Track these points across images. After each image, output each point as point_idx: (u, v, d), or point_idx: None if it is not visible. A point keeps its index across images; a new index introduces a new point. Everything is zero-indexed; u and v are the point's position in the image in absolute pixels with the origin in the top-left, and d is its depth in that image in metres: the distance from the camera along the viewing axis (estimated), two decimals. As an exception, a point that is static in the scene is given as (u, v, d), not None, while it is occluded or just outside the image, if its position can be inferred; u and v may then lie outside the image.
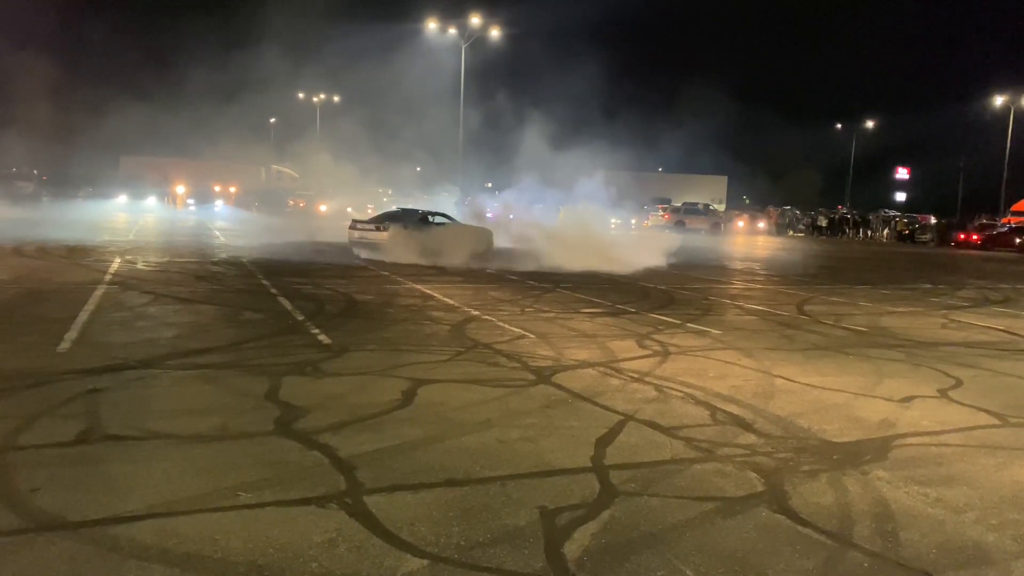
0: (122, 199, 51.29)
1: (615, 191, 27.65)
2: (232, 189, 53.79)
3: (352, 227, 20.48)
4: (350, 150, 31.93)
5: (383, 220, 20.66)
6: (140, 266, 15.70)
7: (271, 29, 34.02)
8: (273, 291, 12.51)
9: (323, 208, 35.82)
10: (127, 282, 12.97)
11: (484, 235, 21.17)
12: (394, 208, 22.85)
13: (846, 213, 56.67)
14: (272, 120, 57.39)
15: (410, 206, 22.97)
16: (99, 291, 11.65)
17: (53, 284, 12.42)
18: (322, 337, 8.71)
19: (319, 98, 53.49)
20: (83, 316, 9.40)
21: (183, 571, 3.38)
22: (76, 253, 17.82)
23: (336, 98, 52.04)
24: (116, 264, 15.66)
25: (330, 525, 3.86)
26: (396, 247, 19.24)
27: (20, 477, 4.31)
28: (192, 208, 49.80)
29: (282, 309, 10.74)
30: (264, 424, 5.45)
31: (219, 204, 51.12)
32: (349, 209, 35.33)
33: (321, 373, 7.03)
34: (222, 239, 25.49)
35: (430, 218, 21.17)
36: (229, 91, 34.65)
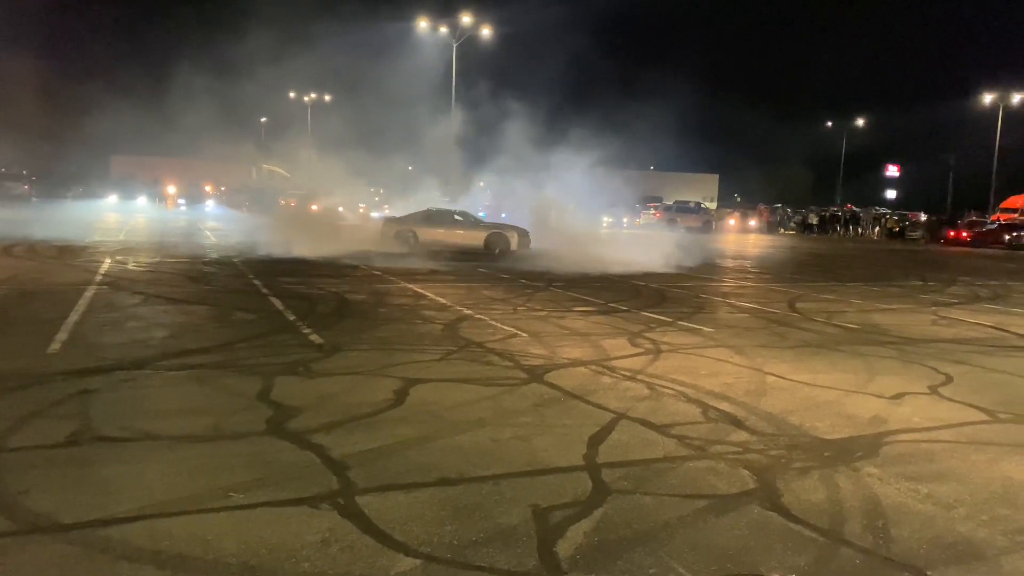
0: (112, 199, 51.03)
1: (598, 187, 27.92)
2: (223, 188, 53.52)
3: (387, 223, 23.04)
4: (341, 150, 31.83)
5: (420, 219, 22.97)
6: (131, 266, 15.64)
7: (261, 29, 33.87)
8: (264, 291, 12.48)
9: (314, 207, 35.72)
10: (118, 283, 12.91)
11: (526, 232, 22.55)
12: (428, 208, 24.66)
13: (837, 211, 56.90)
14: (263, 120, 57.19)
15: (441, 206, 25.17)
16: (89, 292, 11.60)
17: (43, 285, 12.36)
18: (314, 337, 8.69)
19: (310, 97, 53.33)
20: (73, 317, 9.35)
21: (175, 572, 3.37)
22: (66, 253, 17.74)
23: (327, 97, 51.91)
24: (106, 264, 15.59)
25: (323, 525, 3.86)
26: (433, 243, 21.59)
27: (10, 479, 4.29)
28: (183, 208, 49.61)
29: (274, 309, 10.72)
30: (256, 424, 5.44)
31: (210, 204, 50.89)
32: (340, 208, 35.19)
33: (313, 373, 7.01)
34: (213, 239, 25.42)
35: (463, 217, 23.06)
36: (220, 90, 34.46)
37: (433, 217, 22.92)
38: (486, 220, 23.36)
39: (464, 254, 21.45)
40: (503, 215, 25.48)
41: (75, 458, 4.69)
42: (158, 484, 4.30)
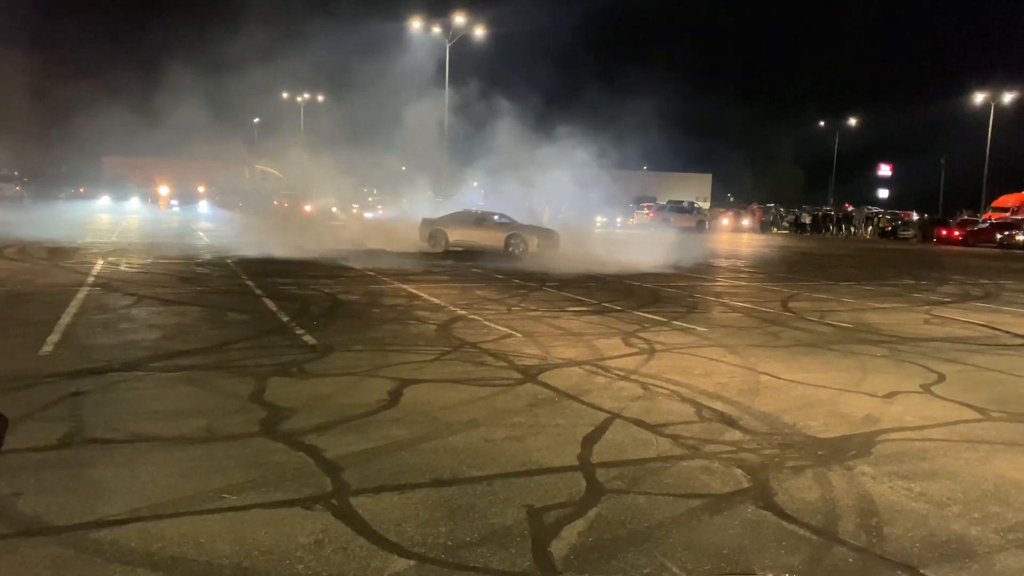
0: (105, 200, 50.83)
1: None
2: (210, 188, 53.31)
3: (424, 223, 23.83)
4: (334, 150, 31.75)
5: (451, 220, 23.67)
6: (123, 267, 15.58)
7: (255, 29, 33.73)
8: (258, 292, 12.45)
9: (307, 208, 35.69)
10: (110, 284, 12.87)
11: (555, 234, 22.84)
12: (462, 209, 25.41)
13: (830, 210, 57.10)
14: (256, 120, 57.09)
15: (475, 207, 26.08)
16: (81, 293, 11.55)
17: (35, 286, 12.31)
18: (307, 338, 8.68)
19: (303, 98, 53.24)
20: (65, 319, 9.31)
21: (168, 574, 3.35)
22: (58, 255, 17.66)
23: (320, 98, 51.84)
24: (99, 266, 15.53)
25: (316, 527, 3.85)
26: (461, 243, 22.73)
27: (2, 482, 4.26)
28: (175, 209, 49.47)
29: (267, 310, 10.69)
30: (249, 425, 5.43)
31: (203, 204, 50.74)
32: (334, 209, 35.13)
33: (306, 374, 7.00)
34: (206, 240, 25.34)
35: (491, 218, 23.57)
36: (212, 91, 34.32)
37: (462, 218, 23.74)
38: (513, 222, 23.50)
39: (461, 254, 21.78)
40: (495, 216, 25.54)
41: (67, 460, 4.67)
42: (151, 486, 4.28)
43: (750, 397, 6.68)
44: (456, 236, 23.01)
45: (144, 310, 10.41)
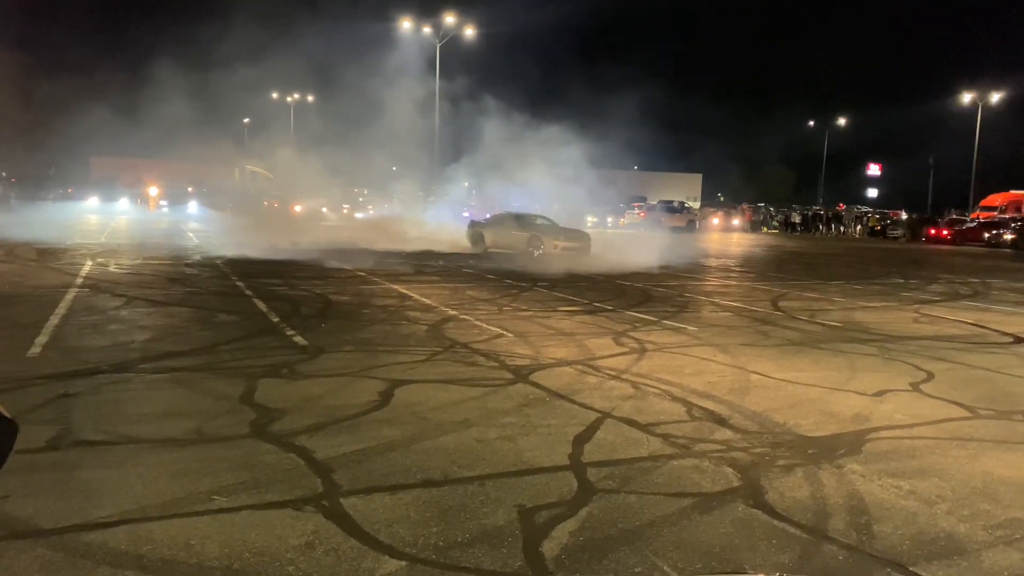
0: (93, 201, 50.58)
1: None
2: (190, 189, 53.06)
3: (469, 226, 24.92)
4: (324, 150, 31.69)
5: (489, 222, 24.50)
6: (112, 269, 15.50)
7: (244, 29, 33.58)
8: (248, 292, 12.40)
9: (297, 208, 35.63)
10: (99, 285, 12.80)
11: (584, 236, 22.93)
12: (504, 212, 25.98)
13: (820, 210, 57.35)
14: (246, 120, 56.85)
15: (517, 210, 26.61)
16: (70, 294, 11.49)
17: (23, 288, 12.23)
18: (298, 339, 8.65)
19: (293, 98, 53.08)
20: (54, 320, 9.26)
21: (158, 577, 3.34)
22: (46, 256, 17.57)
23: (310, 98, 51.68)
24: (88, 267, 15.45)
25: (307, 528, 3.84)
26: (494, 244, 23.38)
27: (-10, 485, 4.24)
28: (165, 210, 49.26)
29: (257, 311, 10.66)
30: (240, 427, 5.41)
31: (192, 205, 50.52)
32: (324, 209, 35.07)
33: (297, 375, 6.98)
34: (195, 240, 25.23)
35: (538, 220, 24.00)
36: (202, 91, 34.18)
37: (498, 220, 24.43)
38: (552, 224, 23.65)
39: (457, 255, 21.95)
40: (487, 215, 25.62)
41: (56, 463, 4.64)
42: (140, 488, 4.26)
43: (740, 396, 6.70)
44: (490, 239, 23.67)
45: (133, 311, 10.36)
